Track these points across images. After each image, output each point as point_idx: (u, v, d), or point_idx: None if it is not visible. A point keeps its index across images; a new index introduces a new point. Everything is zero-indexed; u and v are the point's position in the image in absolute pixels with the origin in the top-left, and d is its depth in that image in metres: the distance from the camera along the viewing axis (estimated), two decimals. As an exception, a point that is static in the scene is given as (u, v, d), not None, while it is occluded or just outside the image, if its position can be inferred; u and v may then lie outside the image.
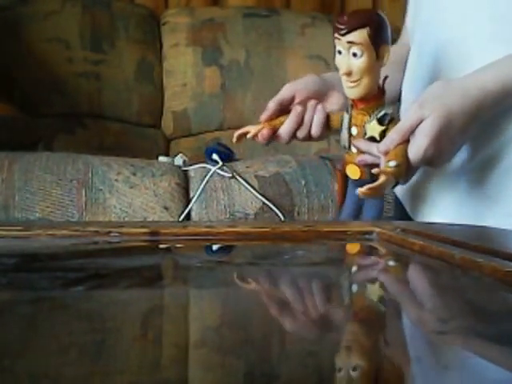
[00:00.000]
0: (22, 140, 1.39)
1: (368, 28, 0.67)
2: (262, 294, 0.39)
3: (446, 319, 0.29)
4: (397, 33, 0.95)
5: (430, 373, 0.23)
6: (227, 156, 1.09)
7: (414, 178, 0.84)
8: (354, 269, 0.50)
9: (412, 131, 0.66)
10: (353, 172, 0.75)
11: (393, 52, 0.74)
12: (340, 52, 0.69)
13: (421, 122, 0.65)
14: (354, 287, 0.41)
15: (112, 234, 0.54)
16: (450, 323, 0.28)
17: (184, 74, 1.65)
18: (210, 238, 0.56)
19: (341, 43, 0.68)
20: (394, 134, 0.67)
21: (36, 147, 1.34)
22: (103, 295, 0.35)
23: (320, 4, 1.98)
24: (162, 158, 1.12)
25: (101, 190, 0.94)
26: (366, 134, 0.71)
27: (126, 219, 0.92)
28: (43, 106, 1.54)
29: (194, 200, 0.97)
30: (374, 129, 0.70)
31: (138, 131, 1.64)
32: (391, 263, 0.52)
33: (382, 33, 0.69)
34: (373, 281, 0.45)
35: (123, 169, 0.98)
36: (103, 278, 0.39)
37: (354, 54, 0.68)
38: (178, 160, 1.11)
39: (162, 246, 0.56)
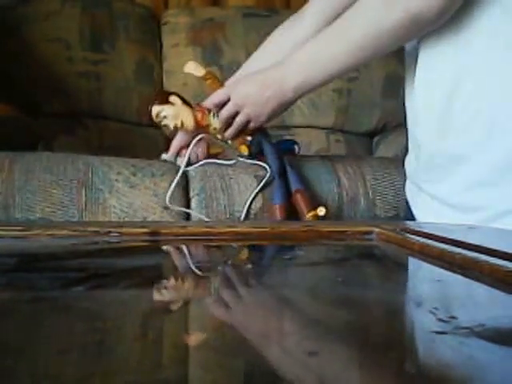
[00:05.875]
0: (22, 140, 1.39)
1: (153, 104, 1.02)
2: (262, 294, 0.39)
3: (446, 319, 0.29)
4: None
5: (429, 373, 0.23)
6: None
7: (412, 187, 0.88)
8: (354, 269, 0.50)
9: (226, 95, 0.94)
10: (241, 150, 1.01)
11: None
12: (165, 126, 1.03)
13: (232, 89, 0.94)
14: (355, 287, 0.41)
15: (112, 234, 0.54)
16: (450, 323, 0.28)
17: (184, 74, 1.65)
18: (210, 237, 0.56)
19: (159, 123, 1.03)
20: (215, 94, 0.96)
21: (36, 147, 1.34)
22: (103, 295, 0.35)
23: (320, 4, 1.97)
24: (164, 156, 1.11)
25: (101, 190, 0.94)
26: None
27: (126, 219, 0.92)
28: (43, 105, 1.54)
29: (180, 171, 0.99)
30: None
31: (138, 131, 1.64)
32: (391, 263, 0.52)
33: (160, 96, 1.03)
34: (373, 281, 0.45)
35: (123, 169, 0.98)
36: (103, 278, 0.39)
37: (165, 117, 1.01)
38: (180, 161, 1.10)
39: (162, 246, 0.56)
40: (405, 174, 0.96)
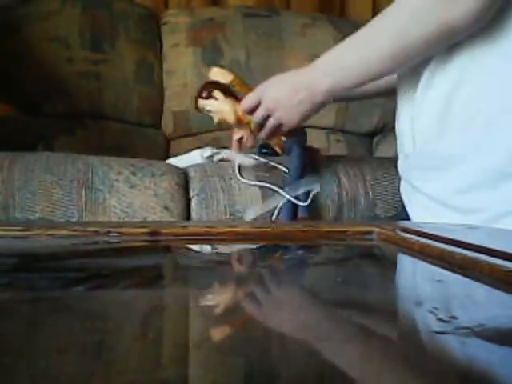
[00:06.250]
0: (22, 140, 1.39)
1: (201, 97, 1.01)
2: (261, 294, 0.39)
3: (446, 319, 0.29)
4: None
5: (429, 373, 0.23)
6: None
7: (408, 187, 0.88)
8: (354, 269, 0.50)
9: (259, 98, 0.94)
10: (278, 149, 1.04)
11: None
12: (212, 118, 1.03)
13: (263, 91, 0.93)
14: (355, 287, 0.41)
15: (112, 234, 0.54)
16: (450, 323, 0.28)
17: (184, 74, 1.65)
18: (210, 237, 0.56)
19: (205, 113, 1.03)
20: (247, 98, 0.95)
21: (36, 147, 1.34)
22: (103, 295, 0.35)
23: (320, 4, 1.98)
24: (170, 160, 1.11)
25: (101, 190, 0.94)
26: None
27: (126, 219, 0.92)
28: (43, 105, 1.54)
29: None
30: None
31: (138, 131, 1.64)
32: (391, 263, 0.52)
33: (206, 89, 1.02)
34: (373, 281, 0.45)
35: (123, 169, 0.98)
36: (103, 278, 0.39)
37: (209, 112, 1.02)
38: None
39: (161, 245, 0.56)
40: None
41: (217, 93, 1.02)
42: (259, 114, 0.94)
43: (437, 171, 0.81)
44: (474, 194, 0.77)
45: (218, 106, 1.01)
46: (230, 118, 0.99)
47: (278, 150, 1.02)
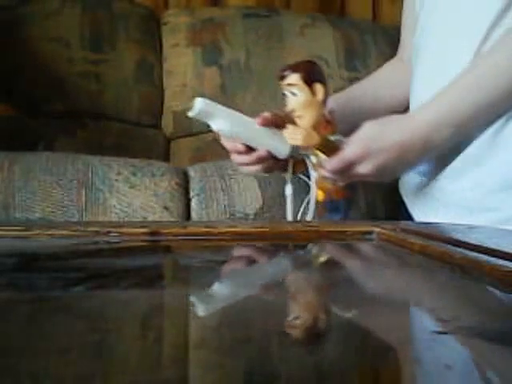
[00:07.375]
0: (22, 140, 1.39)
1: (299, 72, 0.80)
2: (262, 294, 0.39)
3: (446, 319, 0.29)
4: (397, 31, 0.96)
5: (429, 373, 0.23)
6: None
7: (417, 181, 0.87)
8: (354, 269, 0.50)
9: (352, 164, 0.75)
10: (318, 195, 0.85)
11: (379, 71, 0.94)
12: (284, 95, 0.82)
13: (363, 157, 0.74)
14: (355, 287, 0.41)
15: (112, 234, 0.54)
16: (450, 323, 0.28)
17: (184, 74, 1.65)
18: (210, 237, 0.56)
19: (283, 87, 0.82)
20: (336, 162, 0.75)
21: (36, 147, 1.34)
22: (103, 295, 0.35)
23: (320, 4, 1.98)
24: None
25: (101, 190, 0.94)
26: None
27: (126, 219, 0.92)
28: (43, 105, 1.54)
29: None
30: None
31: (138, 131, 1.64)
32: (391, 264, 0.52)
33: (312, 75, 0.81)
34: (373, 281, 0.45)
35: (123, 169, 0.98)
36: (103, 278, 0.39)
37: (293, 94, 0.81)
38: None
39: (161, 245, 0.56)
40: None
41: (319, 88, 0.81)
42: (352, 176, 0.77)
43: (451, 171, 0.80)
44: (486, 195, 0.76)
45: (308, 102, 0.81)
46: (307, 122, 0.80)
47: (320, 195, 0.84)
